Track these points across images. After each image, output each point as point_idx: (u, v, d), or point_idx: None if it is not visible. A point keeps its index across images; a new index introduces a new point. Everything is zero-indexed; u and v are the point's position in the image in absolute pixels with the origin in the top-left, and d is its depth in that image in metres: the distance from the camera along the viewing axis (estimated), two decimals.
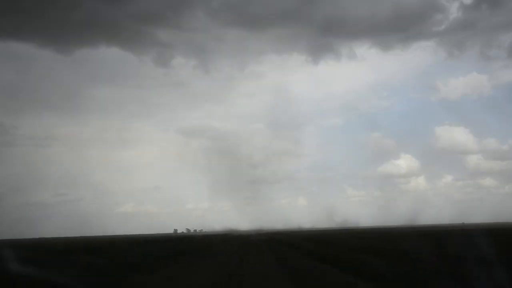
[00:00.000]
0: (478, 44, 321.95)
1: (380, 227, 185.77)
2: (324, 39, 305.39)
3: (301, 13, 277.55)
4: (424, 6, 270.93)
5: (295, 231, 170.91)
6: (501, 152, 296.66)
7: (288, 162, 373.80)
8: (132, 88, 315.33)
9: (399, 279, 17.69)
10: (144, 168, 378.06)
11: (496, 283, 14.53)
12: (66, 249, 53.03)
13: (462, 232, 52.68)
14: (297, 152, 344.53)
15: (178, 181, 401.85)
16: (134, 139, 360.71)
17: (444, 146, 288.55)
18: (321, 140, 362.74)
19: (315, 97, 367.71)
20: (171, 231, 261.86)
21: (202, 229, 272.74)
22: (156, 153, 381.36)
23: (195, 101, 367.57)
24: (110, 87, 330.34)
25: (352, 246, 42.70)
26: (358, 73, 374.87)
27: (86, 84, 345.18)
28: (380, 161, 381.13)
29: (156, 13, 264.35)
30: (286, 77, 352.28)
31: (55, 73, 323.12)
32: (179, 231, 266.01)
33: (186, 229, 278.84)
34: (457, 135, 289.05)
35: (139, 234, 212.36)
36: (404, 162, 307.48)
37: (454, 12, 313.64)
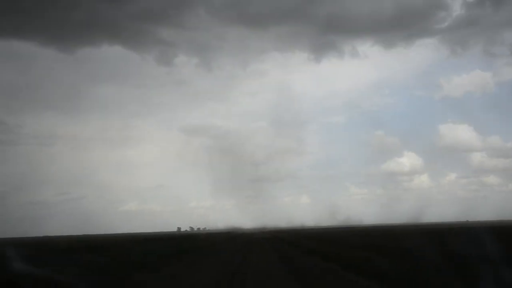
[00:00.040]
0: (482, 42, 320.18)
1: (383, 225, 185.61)
2: (326, 37, 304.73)
3: (303, 11, 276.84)
4: (427, 4, 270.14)
5: (298, 229, 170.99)
6: (505, 149, 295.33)
7: (290, 160, 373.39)
8: (134, 86, 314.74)
9: (402, 277, 17.64)
10: (147, 167, 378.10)
11: (500, 281, 14.46)
12: (69, 248, 53.14)
13: (466, 230, 52.51)
14: (300, 150, 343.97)
15: (181, 179, 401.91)
16: (136, 137, 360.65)
17: (447, 144, 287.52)
18: (323, 138, 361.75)
19: (317, 95, 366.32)
20: (174, 229, 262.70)
21: (205, 227, 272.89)
22: (158, 151, 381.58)
23: (198, 100, 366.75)
24: (112, 85, 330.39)
25: (355, 244, 42.64)
26: (361, 71, 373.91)
27: (88, 83, 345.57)
28: (383, 159, 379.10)
29: (158, 11, 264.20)
30: (289, 75, 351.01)
31: (57, 72, 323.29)
32: (182, 229, 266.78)
33: (190, 227, 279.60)
34: (461, 133, 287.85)
35: (142, 233, 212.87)
36: (407, 160, 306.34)
37: (457, 9, 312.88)
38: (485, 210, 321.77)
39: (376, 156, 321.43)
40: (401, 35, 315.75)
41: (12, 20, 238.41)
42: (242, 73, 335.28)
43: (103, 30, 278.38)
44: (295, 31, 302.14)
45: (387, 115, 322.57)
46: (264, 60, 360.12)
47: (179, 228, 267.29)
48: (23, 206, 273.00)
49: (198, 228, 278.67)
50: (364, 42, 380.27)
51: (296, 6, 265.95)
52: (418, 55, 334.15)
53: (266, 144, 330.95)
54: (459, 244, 27.63)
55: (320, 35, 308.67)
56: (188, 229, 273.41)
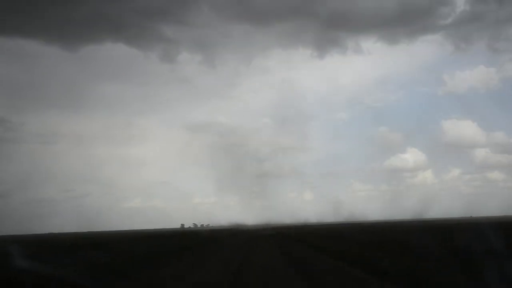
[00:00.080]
0: (486, 37, 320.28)
1: (387, 221, 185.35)
2: (330, 33, 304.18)
3: (306, 7, 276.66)
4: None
5: (302, 225, 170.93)
6: (509, 145, 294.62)
7: (294, 157, 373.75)
8: (138, 84, 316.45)
9: (405, 273, 17.56)
10: (150, 164, 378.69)
11: (505, 277, 14.37)
12: (73, 245, 53.26)
13: (470, 225, 52.41)
14: (304, 146, 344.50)
15: (185, 176, 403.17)
16: (140, 135, 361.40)
17: (451, 140, 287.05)
18: (327, 134, 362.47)
19: (321, 91, 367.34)
20: (178, 226, 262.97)
21: (209, 224, 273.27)
22: (162, 148, 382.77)
23: (201, 97, 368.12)
24: (116, 83, 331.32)
25: (359, 241, 42.56)
26: (364, 67, 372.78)
27: (92, 80, 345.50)
28: (387, 155, 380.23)
29: (161, 8, 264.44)
30: (292, 71, 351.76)
31: (61, 70, 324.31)
32: (186, 226, 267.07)
33: (193, 223, 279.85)
34: (465, 129, 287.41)
35: (146, 229, 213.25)
36: (411, 156, 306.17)
37: (461, 5, 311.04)
38: (489, 206, 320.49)
39: (379, 152, 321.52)
40: (405, 31, 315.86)
41: (16, 18, 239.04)
42: (245, 70, 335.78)
43: (107, 28, 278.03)
44: (299, 27, 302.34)
45: (390, 111, 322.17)
46: (268, 57, 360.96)
47: (182, 225, 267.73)
48: (27, 204, 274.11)
49: (202, 225, 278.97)
50: (368, 38, 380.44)
51: (300, 2, 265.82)
52: (421, 51, 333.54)
53: (270, 140, 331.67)
54: (463, 240, 27.54)
55: (323, 32, 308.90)
56: (192, 226, 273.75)
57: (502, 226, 40.27)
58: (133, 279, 20.83)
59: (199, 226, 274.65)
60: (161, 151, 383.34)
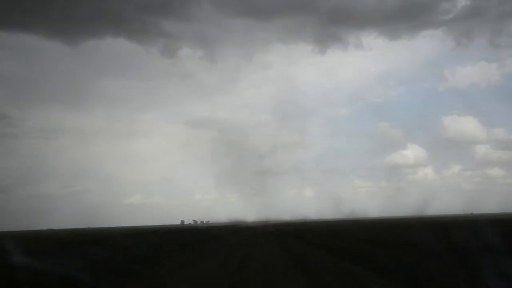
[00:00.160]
0: (487, 32, 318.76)
1: (388, 218, 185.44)
2: (330, 29, 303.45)
3: (307, 2, 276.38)
4: None
5: (302, 222, 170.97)
6: (510, 141, 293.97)
7: (295, 153, 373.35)
8: (138, 79, 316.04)
9: (405, 270, 17.52)
10: (151, 160, 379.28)
11: (504, 273, 14.32)
12: (74, 241, 53.28)
13: (470, 222, 52.36)
14: (304, 142, 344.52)
15: (185, 172, 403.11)
16: (141, 130, 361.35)
17: (452, 136, 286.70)
18: (328, 130, 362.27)
19: (322, 87, 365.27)
20: (178, 222, 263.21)
21: (209, 221, 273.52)
22: (163, 144, 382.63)
23: (202, 92, 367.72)
24: (117, 79, 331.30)
25: (360, 237, 42.55)
26: (365, 63, 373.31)
27: (93, 75, 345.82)
28: (388, 151, 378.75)
29: (162, 3, 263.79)
30: (293, 67, 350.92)
31: (62, 65, 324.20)
32: (186, 223, 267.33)
33: (193, 220, 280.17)
34: (465, 125, 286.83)
35: (147, 226, 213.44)
36: (412, 152, 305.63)
37: (462, 0, 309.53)
38: (490, 203, 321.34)
39: (380, 149, 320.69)
40: (406, 26, 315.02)
41: (17, 13, 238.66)
42: (246, 65, 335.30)
43: (107, 23, 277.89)
44: (299, 23, 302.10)
45: (391, 107, 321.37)
46: (269, 52, 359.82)
47: (182, 222, 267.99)
48: (28, 199, 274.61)
49: (202, 221, 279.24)
50: (369, 33, 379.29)
51: None
52: (422, 46, 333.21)
53: (270, 136, 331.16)
54: (463, 236, 27.49)
55: (324, 27, 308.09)
56: (192, 223, 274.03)
57: (501, 223, 40.26)
58: (133, 276, 20.79)
59: (199, 222, 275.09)
60: (162, 147, 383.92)
